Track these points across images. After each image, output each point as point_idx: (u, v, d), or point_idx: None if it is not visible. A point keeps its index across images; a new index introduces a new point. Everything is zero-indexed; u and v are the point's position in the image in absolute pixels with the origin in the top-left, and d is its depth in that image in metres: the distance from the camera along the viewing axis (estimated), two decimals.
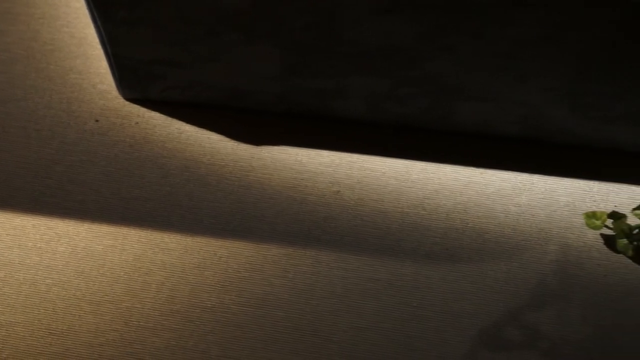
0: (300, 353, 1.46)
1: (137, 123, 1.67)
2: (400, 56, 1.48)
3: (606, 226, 1.52)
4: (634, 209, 1.41)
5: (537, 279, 1.51)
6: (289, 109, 1.63)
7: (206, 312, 1.50)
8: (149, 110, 1.68)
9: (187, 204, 1.59)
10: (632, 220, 1.52)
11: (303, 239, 1.56)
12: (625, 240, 1.49)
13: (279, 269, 1.53)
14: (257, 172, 1.62)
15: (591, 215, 1.51)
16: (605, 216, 1.50)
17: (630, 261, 1.51)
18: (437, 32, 1.42)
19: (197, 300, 1.51)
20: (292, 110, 1.63)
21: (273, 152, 1.64)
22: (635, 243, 1.49)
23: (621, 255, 1.51)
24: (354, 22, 1.44)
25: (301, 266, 1.53)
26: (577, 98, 1.49)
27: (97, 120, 1.68)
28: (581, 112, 1.51)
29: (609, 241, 1.52)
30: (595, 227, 1.51)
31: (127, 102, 1.69)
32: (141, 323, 1.48)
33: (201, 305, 1.50)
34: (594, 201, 1.56)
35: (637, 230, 1.49)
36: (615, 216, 1.50)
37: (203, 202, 1.59)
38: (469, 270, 1.52)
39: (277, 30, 1.48)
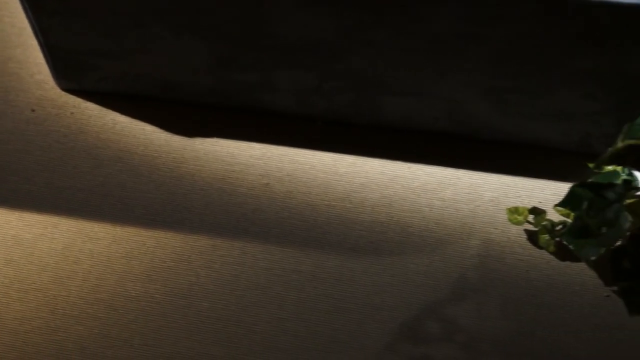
0: (221, 343, 1.46)
1: (72, 113, 1.67)
2: (323, 50, 1.47)
3: (528, 222, 1.52)
4: (556, 205, 1.40)
5: (458, 273, 1.51)
6: (222, 101, 1.63)
7: (131, 301, 1.50)
8: (85, 101, 1.68)
9: (119, 194, 1.59)
10: (554, 217, 1.52)
11: (231, 230, 1.55)
12: (547, 236, 1.49)
13: (206, 259, 1.53)
14: (189, 164, 1.62)
15: (513, 211, 1.51)
16: (527, 212, 1.50)
17: (552, 257, 1.51)
18: (357, 26, 1.42)
19: (122, 289, 1.50)
20: (225, 102, 1.63)
21: (205, 144, 1.63)
22: (556, 239, 1.49)
23: (543, 250, 1.51)
24: (279, 16, 1.44)
25: (227, 257, 1.53)
26: (498, 94, 1.48)
27: (33, 110, 1.67)
28: (503, 109, 1.51)
29: (532, 237, 1.52)
30: (517, 223, 1.51)
31: (63, 93, 1.69)
32: (67, 311, 1.48)
33: (126, 295, 1.50)
34: (519, 197, 1.56)
35: (559, 227, 1.49)
36: (536, 212, 1.49)
37: (135, 193, 1.59)
38: (392, 264, 1.52)
39: (203, 23, 1.48)
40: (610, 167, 1.46)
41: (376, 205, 1.57)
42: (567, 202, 1.33)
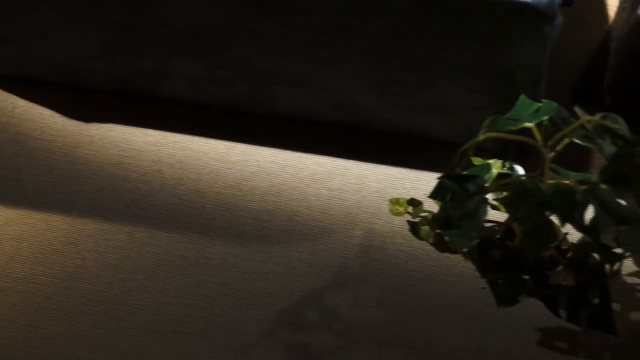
0: (102, 325, 1.46)
1: None
2: (212, 39, 1.48)
3: (409, 213, 1.52)
4: (429, 196, 1.40)
5: (339, 262, 1.51)
6: (119, 87, 1.63)
7: (18, 282, 1.50)
8: None
9: (13, 177, 1.59)
10: (436, 208, 1.52)
11: (120, 215, 1.56)
12: (427, 228, 1.50)
13: (93, 243, 1.53)
14: (84, 149, 1.62)
15: (395, 202, 1.52)
16: (406, 203, 1.51)
17: (432, 248, 1.52)
18: (242, 16, 1.42)
19: (10, 271, 1.51)
20: (122, 89, 1.63)
21: (101, 129, 1.64)
22: (436, 231, 1.49)
23: (425, 242, 1.52)
24: (168, 4, 1.44)
25: (114, 241, 1.53)
26: (384, 86, 1.49)
27: None
28: (391, 101, 1.52)
29: (414, 228, 1.53)
30: (398, 213, 1.51)
31: None
32: None
33: (14, 276, 1.50)
34: (405, 188, 1.56)
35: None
36: (414, 203, 1.50)
37: (28, 176, 1.59)
38: (276, 252, 1.53)
39: (95, 9, 1.48)
40: (488, 161, 1.47)
41: (265, 194, 1.57)
42: (436, 193, 1.34)
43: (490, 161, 1.47)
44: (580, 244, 1.31)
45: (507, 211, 1.25)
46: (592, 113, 1.59)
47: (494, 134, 1.26)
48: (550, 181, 1.28)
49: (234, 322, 1.47)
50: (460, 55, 1.39)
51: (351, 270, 1.51)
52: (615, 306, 1.45)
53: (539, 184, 1.22)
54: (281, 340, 1.46)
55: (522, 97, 1.34)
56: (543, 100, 1.31)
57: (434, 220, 1.35)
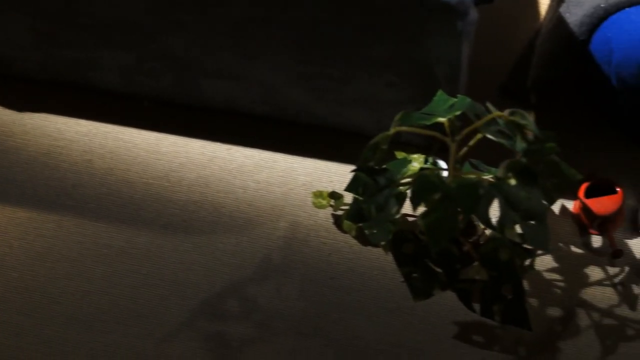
0: (25, 313, 1.46)
1: None
2: (138, 30, 1.47)
3: (332, 206, 1.52)
4: (345, 189, 1.39)
5: (263, 253, 1.51)
6: (52, 77, 1.62)
7: None
8: None
9: None
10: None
11: (49, 204, 1.56)
12: (349, 221, 1.50)
13: (21, 231, 1.53)
14: (17, 138, 1.62)
15: (318, 195, 1.51)
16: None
17: (355, 241, 1.52)
18: (164, 7, 1.42)
19: None
20: (55, 79, 1.63)
21: (34, 119, 1.63)
22: (359, 224, 1.49)
23: (348, 235, 1.52)
24: None
25: (42, 230, 1.53)
26: (308, 80, 1.49)
27: None
28: (316, 94, 1.51)
29: (338, 221, 1.53)
30: (321, 206, 1.51)
31: None
32: None
33: None
34: (331, 181, 1.56)
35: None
36: (335, 196, 1.50)
37: None
38: (201, 242, 1.52)
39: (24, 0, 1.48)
40: (412, 155, 1.47)
41: (192, 185, 1.57)
42: (351, 186, 1.34)
43: (414, 156, 1.47)
44: (490, 239, 1.31)
45: (411, 204, 1.24)
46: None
47: (404, 128, 1.26)
48: (470, 176, 1.28)
49: (156, 312, 1.47)
50: (379, 50, 1.39)
51: (274, 262, 1.51)
52: (533, 302, 1.46)
53: (443, 177, 1.22)
54: (201, 330, 1.46)
55: (440, 92, 1.34)
56: (458, 95, 1.31)
57: (347, 214, 1.34)
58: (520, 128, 1.26)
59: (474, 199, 1.20)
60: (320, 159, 1.58)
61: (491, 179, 1.25)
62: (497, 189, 1.22)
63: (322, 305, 1.47)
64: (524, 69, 1.56)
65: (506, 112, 1.25)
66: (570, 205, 1.52)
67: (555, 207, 1.52)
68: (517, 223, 1.22)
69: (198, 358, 1.43)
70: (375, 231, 1.31)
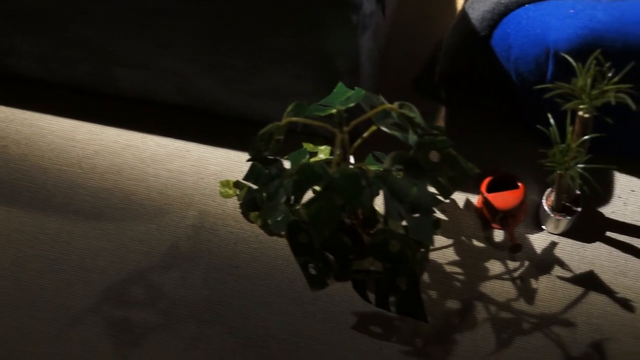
0: None
1: None
2: (48, 18, 1.47)
3: (237, 195, 1.52)
4: (243, 178, 1.38)
5: (171, 241, 1.51)
6: None
7: None
8: None
9: None
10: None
11: None
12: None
13: None
14: None
15: (225, 184, 1.51)
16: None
17: (261, 231, 1.51)
18: None
19: None
20: None
21: None
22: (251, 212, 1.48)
23: (255, 225, 1.51)
24: None
25: None
26: (218, 70, 1.48)
27: None
28: (226, 85, 1.51)
29: (245, 211, 1.53)
30: (227, 195, 1.51)
31: None
32: None
33: None
34: (242, 171, 1.55)
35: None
36: (240, 185, 1.50)
37: None
38: (110, 229, 1.52)
39: None
40: (319, 147, 1.46)
41: (105, 172, 1.57)
42: (248, 176, 1.33)
43: (321, 147, 1.47)
44: (379, 231, 1.30)
45: (294, 194, 1.24)
46: (431, 105, 1.61)
47: (295, 119, 1.26)
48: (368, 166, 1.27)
49: (62, 297, 1.47)
50: (282, 42, 1.39)
51: (181, 250, 1.50)
52: (432, 294, 1.45)
53: (326, 168, 1.21)
54: (105, 316, 1.45)
55: (339, 84, 1.33)
56: (356, 88, 1.31)
57: (242, 203, 1.34)
58: (410, 121, 1.25)
59: (356, 189, 1.20)
60: (231, 149, 1.58)
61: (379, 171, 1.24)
62: (382, 180, 1.22)
63: (225, 294, 1.47)
64: (434, 64, 1.55)
65: (395, 105, 1.25)
66: (475, 199, 1.51)
67: (460, 201, 1.52)
68: (402, 215, 1.22)
69: (101, 343, 1.43)
70: (278, 220, 1.31)
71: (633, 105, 1.20)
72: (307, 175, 1.21)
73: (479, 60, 1.45)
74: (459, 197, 1.52)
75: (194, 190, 1.55)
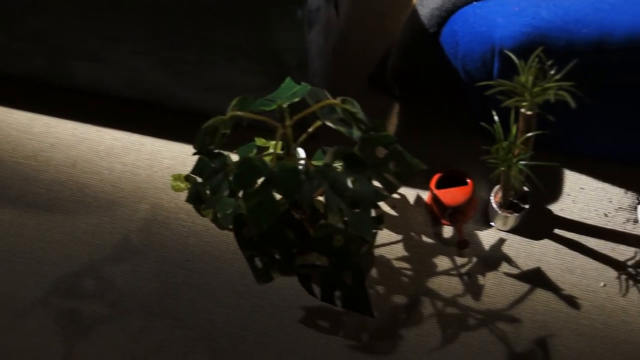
0: None
1: None
2: (3, 10, 1.46)
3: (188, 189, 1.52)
4: (191, 171, 1.37)
5: (122, 234, 1.51)
6: None
7: None
8: None
9: None
10: None
11: None
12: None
13: None
14: None
15: (177, 178, 1.51)
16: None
17: (212, 225, 1.51)
18: None
19: None
20: None
21: None
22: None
23: (206, 218, 1.51)
24: None
25: None
26: (171, 65, 1.48)
27: None
28: (179, 79, 1.51)
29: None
30: (179, 189, 1.50)
31: None
32: None
33: None
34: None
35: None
36: (190, 179, 1.49)
37: None
38: (63, 221, 1.52)
39: None
40: (272, 142, 1.46)
41: (60, 165, 1.56)
42: (195, 169, 1.33)
43: (272, 142, 1.47)
44: (322, 225, 1.30)
45: (235, 187, 1.23)
46: (385, 101, 1.61)
47: (239, 113, 1.25)
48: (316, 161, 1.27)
49: (13, 288, 1.46)
50: (231, 36, 1.38)
51: (133, 243, 1.50)
52: (380, 289, 1.45)
53: (266, 162, 1.21)
54: (55, 307, 1.45)
55: (288, 79, 1.33)
56: (302, 83, 1.31)
57: (188, 196, 1.34)
58: (353, 116, 1.25)
59: (295, 183, 1.20)
60: (186, 143, 1.57)
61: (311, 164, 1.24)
62: (323, 175, 1.22)
63: (175, 287, 1.47)
64: (388, 60, 1.55)
65: (338, 100, 1.25)
66: (426, 195, 1.51)
67: (411, 197, 1.51)
68: (342, 209, 1.22)
69: (49, 334, 1.43)
70: (227, 213, 1.31)
71: (572, 103, 1.20)
72: (247, 169, 1.21)
73: (429, 57, 1.45)
74: (410, 193, 1.52)
75: (148, 183, 1.55)
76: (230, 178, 1.25)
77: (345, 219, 1.23)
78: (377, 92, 1.59)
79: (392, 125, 1.57)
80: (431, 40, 1.42)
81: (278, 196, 1.23)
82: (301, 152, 1.50)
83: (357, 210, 1.23)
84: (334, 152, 1.23)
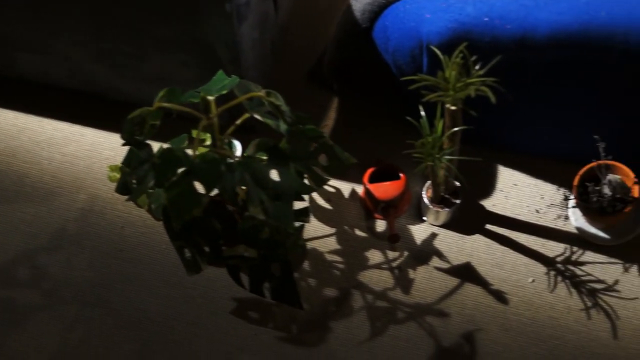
0: None
1: None
2: None
3: None
4: (122, 162, 1.37)
5: (59, 224, 1.50)
6: None
7: None
8: None
9: None
10: None
11: None
12: (144, 195, 1.49)
13: None
14: None
15: (114, 169, 1.50)
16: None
17: (149, 215, 1.51)
18: None
19: None
20: None
21: None
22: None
23: (143, 209, 1.51)
24: None
25: None
26: (109, 56, 1.48)
27: None
28: (118, 71, 1.51)
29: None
30: (115, 180, 1.50)
31: None
32: None
33: None
34: None
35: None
36: (121, 170, 1.49)
37: None
38: (1, 210, 1.51)
39: None
40: (208, 135, 1.46)
41: (0, 155, 1.56)
42: (126, 160, 1.33)
43: (208, 135, 1.46)
44: (248, 217, 1.30)
45: (157, 178, 1.23)
46: (325, 97, 1.61)
47: (167, 105, 1.25)
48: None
49: None
50: (166, 29, 1.38)
51: (69, 233, 1.50)
52: (312, 281, 1.45)
53: (187, 153, 1.21)
54: None
55: (220, 72, 1.33)
56: (232, 75, 1.30)
57: (117, 186, 1.34)
58: (277, 108, 1.25)
59: (216, 174, 1.20)
60: None
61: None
62: (245, 166, 1.21)
63: (109, 276, 1.47)
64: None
65: (263, 92, 1.25)
66: (361, 189, 1.51)
67: (346, 191, 1.51)
68: (264, 201, 1.22)
69: None
70: (159, 206, 1.31)
71: (493, 98, 1.20)
72: (168, 159, 1.21)
73: (362, 52, 1.45)
74: (346, 187, 1.52)
75: (86, 174, 1.55)
76: None
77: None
78: (317, 87, 1.59)
79: (330, 119, 1.57)
80: (364, 36, 1.42)
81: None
82: (237, 145, 1.51)
83: (278, 202, 1.23)
84: (257, 143, 1.24)
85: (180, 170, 1.21)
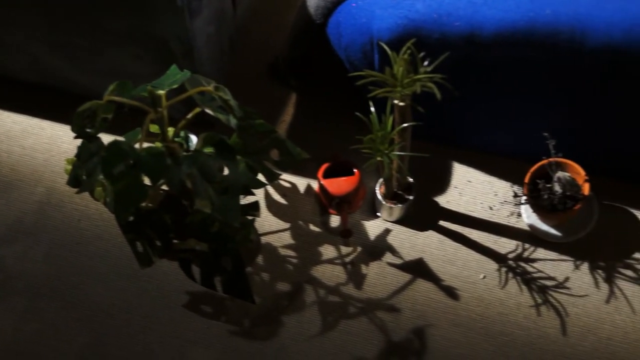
0: None
1: None
2: None
3: None
4: (75, 155, 1.37)
5: (16, 216, 1.50)
6: None
7: None
8: None
9: None
10: None
11: None
12: (100, 189, 1.48)
13: None
14: None
15: (70, 162, 1.50)
16: None
17: (106, 209, 1.50)
18: None
19: None
20: None
21: None
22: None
23: (100, 202, 1.51)
24: None
25: None
26: (65, 49, 1.48)
27: None
28: (74, 64, 1.50)
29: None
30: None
31: None
32: None
33: None
34: None
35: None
36: (73, 163, 1.49)
37: None
38: None
39: None
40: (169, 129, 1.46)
41: None
42: (79, 152, 1.32)
43: (169, 129, 1.46)
44: (197, 210, 1.29)
45: (103, 171, 1.23)
46: (284, 91, 1.61)
47: (115, 98, 1.25)
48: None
49: None
50: (119, 23, 1.38)
51: (26, 225, 1.50)
52: (265, 276, 1.45)
53: (133, 146, 1.21)
54: None
55: (173, 66, 1.33)
56: (185, 70, 1.30)
57: (68, 180, 1.33)
58: (226, 103, 1.25)
59: (162, 167, 1.19)
60: None
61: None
62: (192, 160, 1.21)
63: (64, 269, 1.46)
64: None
65: (211, 86, 1.24)
66: (316, 184, 1.51)
67: (302, 186, 1.51)
68: (210, 195, 1.22)
69: None
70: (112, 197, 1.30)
71: (438, 95, 1.19)
72: (114, 152, 1.21)
73: (317, 48, 1.45)
74: (301, 182, 1.52)
75: (45, 167, 1.55)
76: None
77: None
78: (276, 83, 1.59)
79: (288, 115, 1.57)
80: (318, 32, 1.42)
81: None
82: (193, 139, 1.51)
83: (224, 196, 1.23)
84: (204, 137, 1.23)
85: (126, 163, 1.21)
